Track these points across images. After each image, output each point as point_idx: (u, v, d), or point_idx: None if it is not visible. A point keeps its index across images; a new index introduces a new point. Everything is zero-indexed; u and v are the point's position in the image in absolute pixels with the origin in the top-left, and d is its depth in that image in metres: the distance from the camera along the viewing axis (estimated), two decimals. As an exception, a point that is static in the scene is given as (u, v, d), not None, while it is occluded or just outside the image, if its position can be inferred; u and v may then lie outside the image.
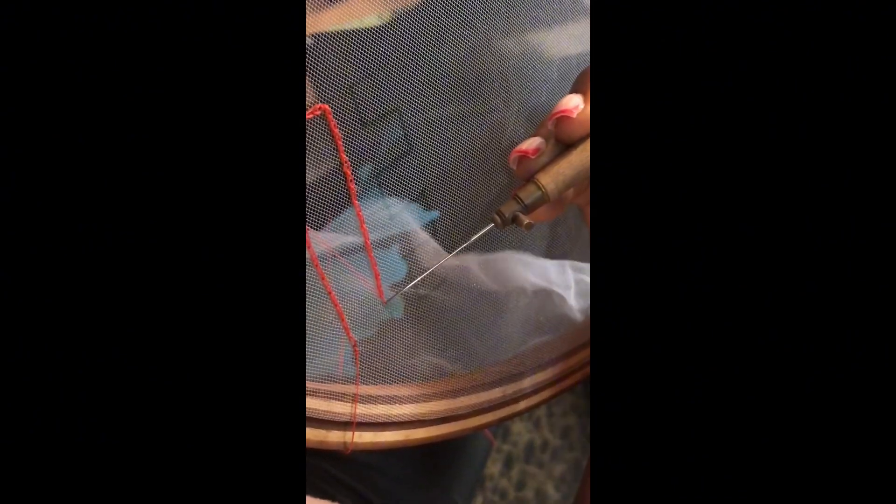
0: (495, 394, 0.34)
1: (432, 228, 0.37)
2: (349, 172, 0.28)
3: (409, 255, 0.35)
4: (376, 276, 0.33)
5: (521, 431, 0.90)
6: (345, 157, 0.27)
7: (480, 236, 0.29)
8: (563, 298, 0.39)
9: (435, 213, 0.38)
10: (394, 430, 0.31)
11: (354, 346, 0.30)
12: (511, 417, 0.35)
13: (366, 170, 0.34)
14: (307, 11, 0.30)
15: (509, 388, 0.34)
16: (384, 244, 0.35)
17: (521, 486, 0.89)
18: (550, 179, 0.28)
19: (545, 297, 0.38)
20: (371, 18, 0.34)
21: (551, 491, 0.91)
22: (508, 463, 0.88)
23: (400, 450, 0.49)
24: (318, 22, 0.33)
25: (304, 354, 0.28)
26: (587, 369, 0.38)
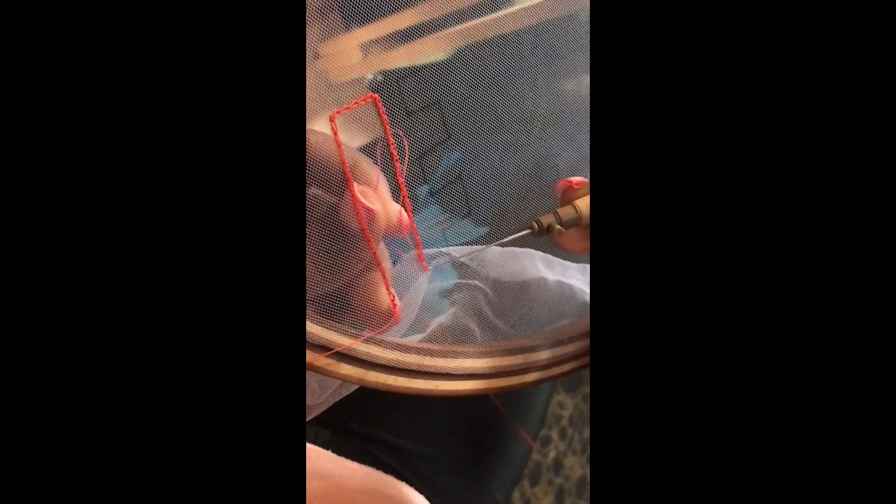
0: (517, 360, 0.39)
1: (482, 243, 0.43)
2: (395, 152, 0.34)
3: (458, 266, 0.41)
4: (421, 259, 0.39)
5: (573, 465, 0.92)
6: (392, 140, 0.34)
7: (515, 238, 0.35)
8: (584, 292, 0.43)
9: (484, 229, 0.44)
10: (425, 378, 0.36)
11: (393, 300, 0.35)
12: (531, 385, 0.39)
13: (423, 190, 0.40)
14: (376, 51, 0.38)
15: (530, 357, 0.39)
16: (434, 256, 0.41)
17: (572, 520, 0.90)
18: (586, 205, 0.33)
19: (568, 288, 0.42)
20: (438, 55, 0.40)
21: (604, 529, 0.91)
22: (560, 497, 0.89)
23: (446, 434, 0.53)
24: (388, 60, 0.40)
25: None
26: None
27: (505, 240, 0.35)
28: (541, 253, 0.42)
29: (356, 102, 0.33)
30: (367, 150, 0.35)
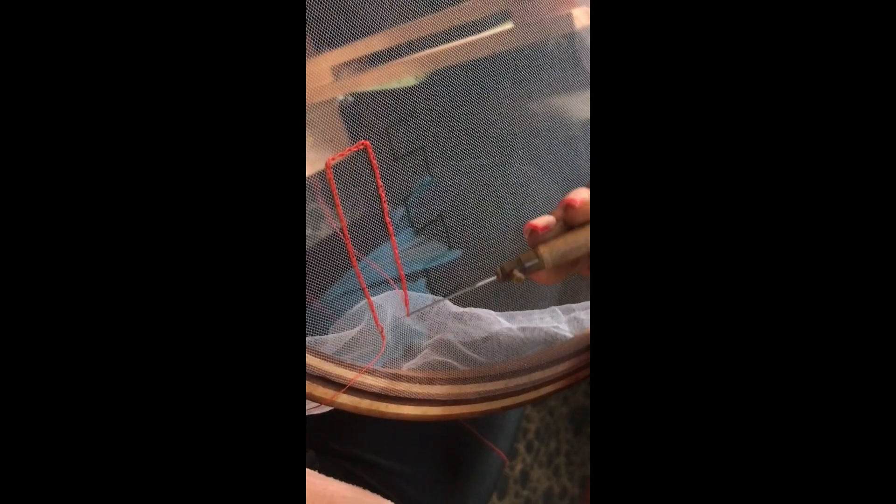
0: (498, 385, 0.41)
1: (455, 266, 0.45)
2: (383, 195, 0.36)
3: (434, 289, 0.43)
4: (405, 297, 0.41)
5: (540, 478, 0.95)
6: (381, 183, 0.36)
7: (482, 286, 0.36)
8: (551, 326, 0.46)
9: (457, 253, 0.46)
10: (413, 405, 0.38)
11: (381, 332, 0.38)
12: (512, 407, 0.42)
13: (398, 212, 0.42)
14: (349, 72, 0.39)
15: (510, 382, 0.42)
16: (412, 278, 0.43)
17: (539, 531, 0.92)
18: (547, 250, 0.35)
19: (531, 329, 0.45)
20: (408, 79, 0.42)
21: (570, 538, 0.93)
22: (528, 508, 0.92)
23: (423, 452, 0.55)
24: (360, 82, 0.42)
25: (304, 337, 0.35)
26: (580, 374, 0.45)
27: (470, 288, 0.37)
28: (495, 314, 0.44)
29: (349, 150, 0.35)
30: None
